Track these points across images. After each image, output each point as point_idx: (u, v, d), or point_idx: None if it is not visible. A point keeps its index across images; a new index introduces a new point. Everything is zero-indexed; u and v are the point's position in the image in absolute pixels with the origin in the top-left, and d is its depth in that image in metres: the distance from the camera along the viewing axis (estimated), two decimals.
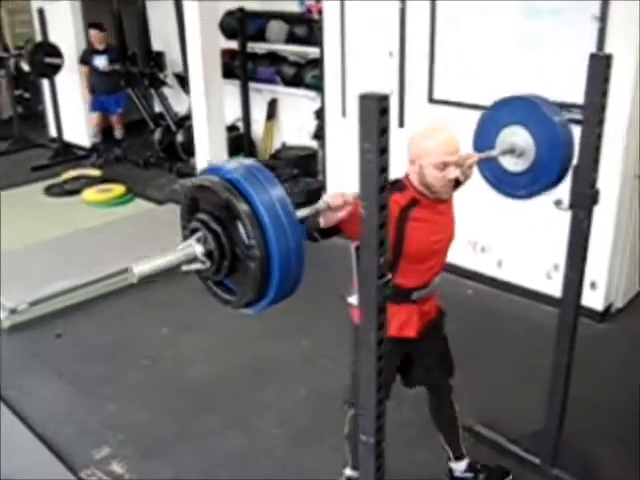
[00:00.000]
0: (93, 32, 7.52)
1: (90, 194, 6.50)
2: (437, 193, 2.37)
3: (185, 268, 1.62)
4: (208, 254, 1.59)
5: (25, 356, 4.14)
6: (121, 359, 4.08)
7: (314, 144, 6.54)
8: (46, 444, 3.33)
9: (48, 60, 7.47)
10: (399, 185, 2.37)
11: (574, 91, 3.93)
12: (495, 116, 2.70)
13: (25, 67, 8.52)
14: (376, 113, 1.70)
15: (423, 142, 2.35)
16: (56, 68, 7.55)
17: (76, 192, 6.63)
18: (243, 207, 1.51)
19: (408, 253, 2.37)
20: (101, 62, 7.55)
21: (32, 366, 4.02)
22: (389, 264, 2.33)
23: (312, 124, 6.45)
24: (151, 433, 3.44)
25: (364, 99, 1.72)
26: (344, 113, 5.22)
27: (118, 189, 6.51)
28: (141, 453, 3.29)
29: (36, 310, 4.51)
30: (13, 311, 4.42)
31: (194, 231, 1.62)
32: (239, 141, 6.91)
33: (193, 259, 1.60)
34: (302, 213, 1.86)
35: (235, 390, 3.75)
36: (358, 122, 1.75)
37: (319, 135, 6.21)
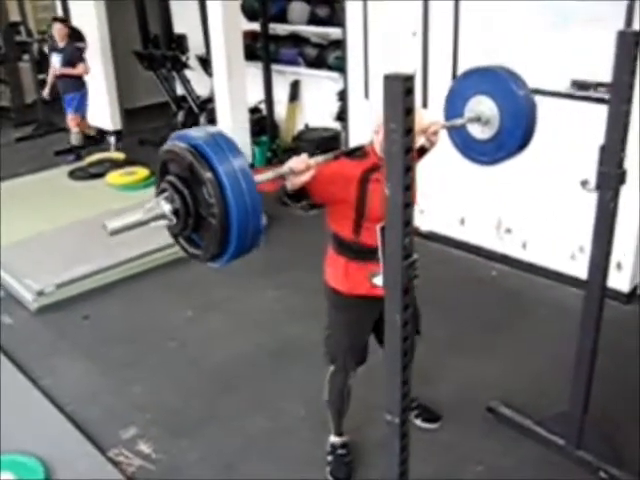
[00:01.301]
0: (57, 26, 7.12)
1: (114, 177, 6.53)
2: None
3: (154, 225, 1.75)
4: (175, 212, 1.72)
5: (53, 337, 4.20)
6: (147, 341, 4.13)
7: (337, 125, 6.51)
8: (75, 424, 3.38)
9: None
10: (361, 152, 2.54)
11: (601, 70, 3.90)
12: (463, 86, 2.77)
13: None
14: (401, 93, 1.69)
15: None
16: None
17: (100, 175, 6.65)
18: (204, 170, 1.65)
19: (370, 213, 2.51)
20: (57, 61, 7.15)
21: (60, 347, 4.09)
22: (354, 224, 2.55)
23: (335, 105, 6.42)
24: (178, 414, 3.48)
25: (389, 79, 1.72)
26: (367, 94, 5.20)
27: (142, 172, 6.52)
28: (168, 433, 3.33)
29: (63, 292, 4.57)
30: (40, 293, 4.49)
31: (163, 191, 1.75)
32: (262, 123, 6.89)
33: (161, 216, 1.73)
34: (263, 177, 2.01)
35: (260, 372, 3.78)
36: (383, 103, 1.74)
37: (342, 116, 6.18)
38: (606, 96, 3.93)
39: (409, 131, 1.74)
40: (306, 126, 6.96)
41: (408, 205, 1.82)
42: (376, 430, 3.11)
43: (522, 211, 4.64)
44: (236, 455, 3.18)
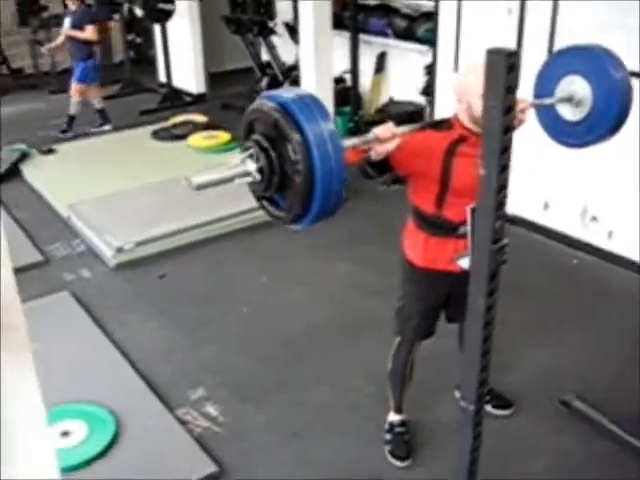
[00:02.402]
0: None
1: (196, 140, 6.58)
2: None
3: (239, 181, 1.75)
4: (260, 170, 1.72)
5: (129, 294, 4.29)
6: (221, 304, 4.17)
7: (422, 100, 6.37)
8: (145, 380, 3.44)
9: (161, 6, 7.55)
10: (446, 124, 2.48)
11: None
12: (556, 65, 2.63)
13: (138, 12, 8.65)
14: (504, 69, 1.61)
15: (466, 78, 2.43)
16: (168, 14, 7.62)
17: (182, 137, 6.73)
18: (290, 127, 1.64)
19: (454, 187, 2.46)
20: (67, 23, 7.06)
21: (135, 304, 4.17)
22: (437, 198, 2.49)
23: (421, 79, 6.27)
24: (245, 379, 3.51)
25: (492, 54, 1.64)
26: (456, 69, 5.05)
27: (224, 136, 6.57)
28: (235, 397, 3.36)
29: (141, 250, 4.65)
30: (120, 250, 4.58)
31: (248, 149, 1.75)
32: (345, 93, 6.79)
33: (246, 174, 1.74)
34: (350, 142, 2.03)
35: (331, 345, 3.76)
36: (484, 78, 1.67)
37: (428, 91, 6.05)
38: None
39: (509, 109, 1.66)
40: (391, 99, 6.82)
41: (503, 187, 1.75)
42: (438, 412, 3.20)
43: (610, 199, 4.44)
44: (301, 425, 3.18)
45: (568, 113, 2.59)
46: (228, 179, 1.76)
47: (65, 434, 3.01)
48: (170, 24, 7.86)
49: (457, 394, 3.29)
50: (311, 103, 1.72)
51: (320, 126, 1.67)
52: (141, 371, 3.52)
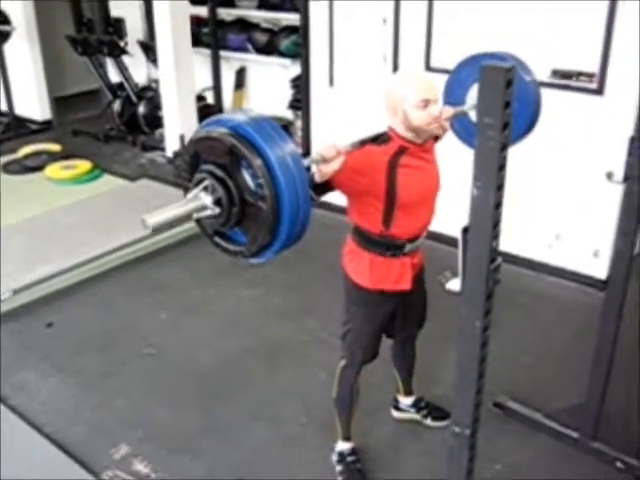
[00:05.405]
0: None
1: (54, 171, 6.08)
2: (426, 133, 2.38)
3: (196, 216, 1.66)
4: (217, 202, 1.62)
5: (17, 349, 3.82)
6: (121, 348, 3.83)
7: (289, 114, 6.31)
8: (59, 446, 3.08)
9: None
10: (384, 137, 2.41)
11: (583, 59, 3.89)
12: (464, 73, 2.70)
13: None
14: (502, 85, 1.56)
15: (400, 88, 2.39)
16: (5, 36, 7.01)
17: (38, 169, 6.19)
18: (249, 150, 1.54)
19: (401, 201, 2.41)
20: None
21: (26, 360, 3.72)
22: (383, 215, 2.42)
23: (287, 93, 6.21)
24: (170, 428, 3.24)
25: (488, 70, 1.58)
26: (332, 82, 5.01)
27: (84, 165, 6.12)
28: (164, 450, 3.09)
29: (20, 298, 4.19)
30: None
31: (200, 183, 1.64)
32: (206, 111, 6.55)
33: (202, 208, 1.63)
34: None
35: (250, 376, 3.58)
36: (479, 95, 1.61)
37: (296, 105, 5.99)
38: (588, 85, 3.94)
39: (506, 126, 1.61)
40: None
41: (499, 204, 1.70)
42: (379, 433, 3.14)
43: None
44: (244, 468, 2.98)
45: None
46: (184, 216, 1.63)
47: None
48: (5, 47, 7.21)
49: (394, 413, 3.25)
50: (265, 123, 1.60)
51: (281, 147, 1.56)
52: (51, 436, 3.14)
